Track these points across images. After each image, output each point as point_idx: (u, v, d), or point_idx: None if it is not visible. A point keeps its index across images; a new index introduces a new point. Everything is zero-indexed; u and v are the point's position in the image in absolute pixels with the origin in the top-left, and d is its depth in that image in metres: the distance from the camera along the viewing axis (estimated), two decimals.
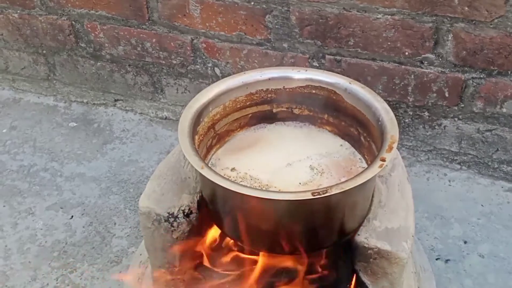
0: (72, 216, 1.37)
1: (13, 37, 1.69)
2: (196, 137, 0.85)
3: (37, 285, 1.22)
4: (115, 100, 1.72)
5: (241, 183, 0.84)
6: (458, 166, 1.43)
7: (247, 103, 0.94)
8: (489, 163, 1.40)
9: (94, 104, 1.75)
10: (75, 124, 1.69)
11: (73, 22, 1.58)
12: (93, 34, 1.58)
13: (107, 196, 1.43)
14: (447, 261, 1.23)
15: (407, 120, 1.40)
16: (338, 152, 0.92)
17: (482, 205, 1.35)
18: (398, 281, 0.83)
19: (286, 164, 0.88)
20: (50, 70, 1.74)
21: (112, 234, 1.32)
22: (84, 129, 1.66)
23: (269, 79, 0.94)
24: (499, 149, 1.36)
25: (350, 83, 0.90)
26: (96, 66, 1.65)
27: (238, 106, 0.94)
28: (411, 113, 1.38)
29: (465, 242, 1.27)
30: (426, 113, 1.37)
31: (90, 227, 1.34)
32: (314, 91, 0.93)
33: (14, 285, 1.22)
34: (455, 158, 1.43)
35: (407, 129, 1.41)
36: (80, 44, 1.62)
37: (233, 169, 0.88)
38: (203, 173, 0.75)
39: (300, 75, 0.93)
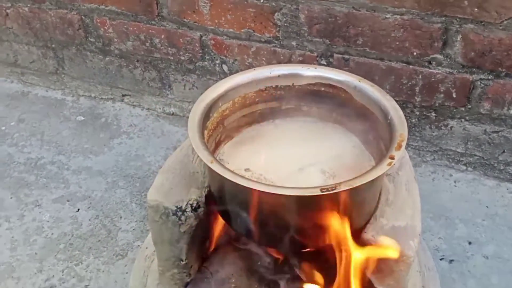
0: (79, 209, 1.38)
1: (23, 30, 1.70)
2: (205, 132, 0.85)
3: (43, 276, 1.22)
4: (123, 95, 1.73)
5: None
6: (464, 167, 1.44)
7: (256, 100, 0.94)
8: (495, 165, 1.40)
9: (102, 98, 1.76)
10: (82, 118, 1.69)
11: (82, 16, 1.59)
12: (102, 29, 1.58)
13: (113, 190, 1.44)
14: (451, 261, 1.23)
15: (413, 120, 1.40)
16: (347, 153, 0.91)
17: (487, 207, 1.35)
18: (404, 279, 0.83)
19: (298, 169, 0.88)
20: (59, 64, 1.75)
21: (118, 227, 1.33)
22: (92, 123, 1.67)
23: (279, 76, 0.94)
24: (505, 150, 1.36)
25: (359, 81, 0.90)
26: (104, 61, 1.66)
27: (247, 102, 0.94)
28: (418, 113, 1.38)
29: (469, 243, 1.27)
30: (433, 114, 1.37)
31: (96, 220, 1.35)
32: (323, 89, 0.93)
33: (20, 277, 1.23)
34: (461, 159, 1.43)
35: (413, 129, 1.42)
36: (89, 39, 1.63)
37: (247, 170, 0.88)
38: (213, 168, 0.75)
39: (309, 72, 0.94)
